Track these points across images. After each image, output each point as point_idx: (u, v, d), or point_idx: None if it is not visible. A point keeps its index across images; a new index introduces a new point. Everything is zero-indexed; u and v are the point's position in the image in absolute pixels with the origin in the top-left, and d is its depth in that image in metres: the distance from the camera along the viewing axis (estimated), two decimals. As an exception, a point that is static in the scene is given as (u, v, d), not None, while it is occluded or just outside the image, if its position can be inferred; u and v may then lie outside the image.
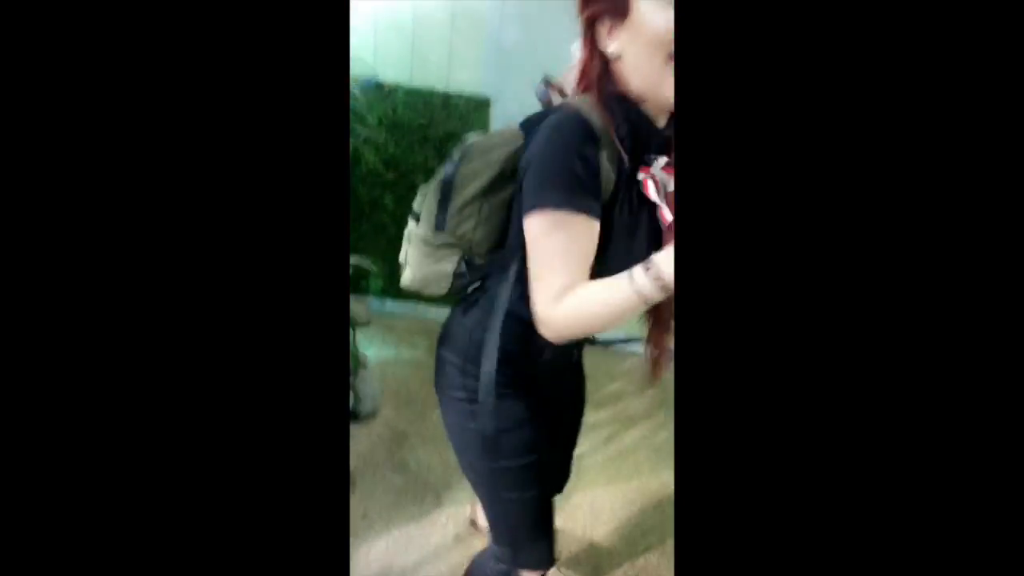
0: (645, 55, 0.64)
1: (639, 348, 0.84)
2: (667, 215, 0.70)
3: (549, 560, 0.93)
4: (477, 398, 0.80)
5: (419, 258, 0.79)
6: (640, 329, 0.82)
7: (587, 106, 0.67)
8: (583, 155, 0.64)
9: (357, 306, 2.33)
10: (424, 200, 0.79)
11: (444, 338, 0.84)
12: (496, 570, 0.94)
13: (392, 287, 2.39)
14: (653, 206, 0.70)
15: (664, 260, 0.59)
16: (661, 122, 0.70)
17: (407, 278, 0.82)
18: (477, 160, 0.74)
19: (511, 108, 1.96)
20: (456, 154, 0.76)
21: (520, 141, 0.73)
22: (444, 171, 0.77)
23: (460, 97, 2.17)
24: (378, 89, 2.15)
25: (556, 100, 0.74)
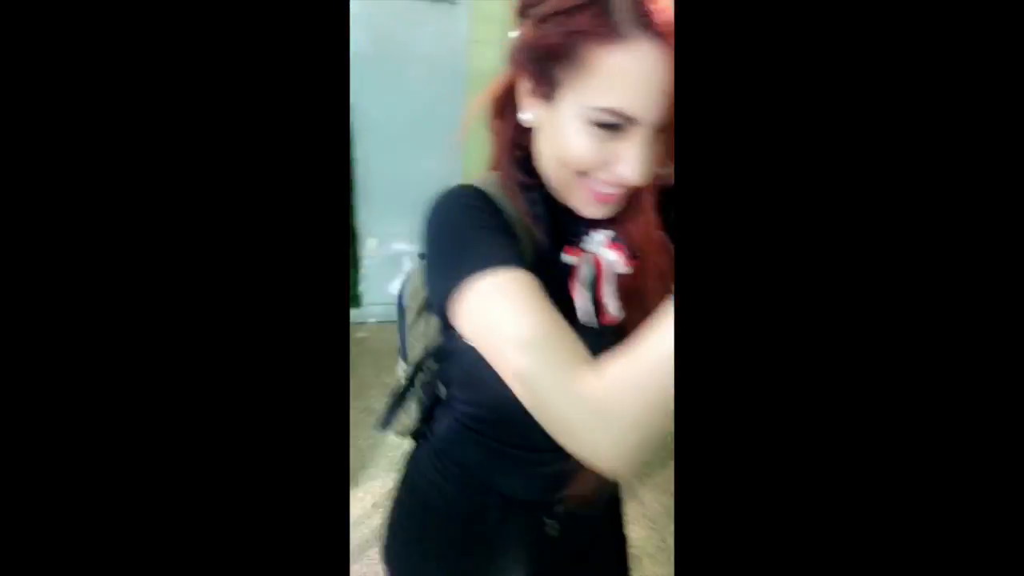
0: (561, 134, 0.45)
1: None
2: (611, 307, 0.51)
3: None
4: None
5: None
6: None
7: (491, 185, 0.51)
8: (487, 215, 0.47)
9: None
10: None
11: None
12: None
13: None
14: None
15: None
16: (588, 211, 0.50)
17: None
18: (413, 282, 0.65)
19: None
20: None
21: None
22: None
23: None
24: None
25: None
